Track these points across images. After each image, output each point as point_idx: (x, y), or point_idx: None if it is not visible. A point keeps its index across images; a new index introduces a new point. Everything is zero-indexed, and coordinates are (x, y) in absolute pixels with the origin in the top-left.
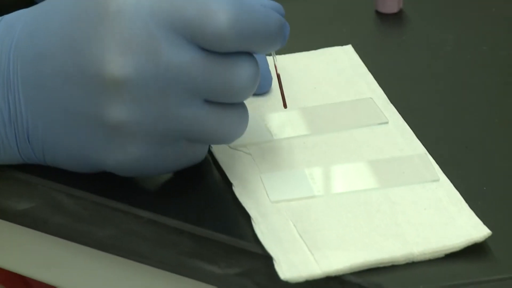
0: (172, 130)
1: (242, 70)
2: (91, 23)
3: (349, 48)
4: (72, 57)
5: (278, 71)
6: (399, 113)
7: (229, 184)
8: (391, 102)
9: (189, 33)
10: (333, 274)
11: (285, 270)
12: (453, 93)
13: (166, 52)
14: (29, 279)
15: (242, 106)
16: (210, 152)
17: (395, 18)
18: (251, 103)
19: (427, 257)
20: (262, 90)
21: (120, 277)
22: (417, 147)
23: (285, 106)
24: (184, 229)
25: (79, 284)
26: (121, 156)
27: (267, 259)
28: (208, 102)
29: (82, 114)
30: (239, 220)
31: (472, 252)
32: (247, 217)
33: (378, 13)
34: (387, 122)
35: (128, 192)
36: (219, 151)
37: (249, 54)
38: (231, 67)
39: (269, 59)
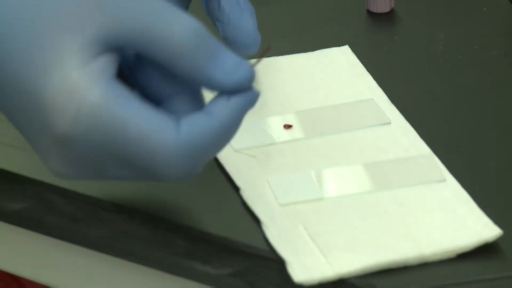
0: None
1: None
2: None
3: (346, 49)
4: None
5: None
6: None
7: (223, 184)
8: None
9: None
10: (346, 276)
11: (299, 273)
12: (444, 93)
13: None
14: (22, 279)
15: None
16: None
17: (387, 18)
18: None
19: (439, 257)
20: (249, 51)
21: (114, 277)
22: (422, 147)
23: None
24: (177, 229)
25: (73, 284)
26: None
27: (260, 259)
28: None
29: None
30: (232, 220)
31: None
32: (241, 217)
33: (369, 12)
34: (389, 123)
35: (121, 192)
36: (224, 155)
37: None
38: None
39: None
